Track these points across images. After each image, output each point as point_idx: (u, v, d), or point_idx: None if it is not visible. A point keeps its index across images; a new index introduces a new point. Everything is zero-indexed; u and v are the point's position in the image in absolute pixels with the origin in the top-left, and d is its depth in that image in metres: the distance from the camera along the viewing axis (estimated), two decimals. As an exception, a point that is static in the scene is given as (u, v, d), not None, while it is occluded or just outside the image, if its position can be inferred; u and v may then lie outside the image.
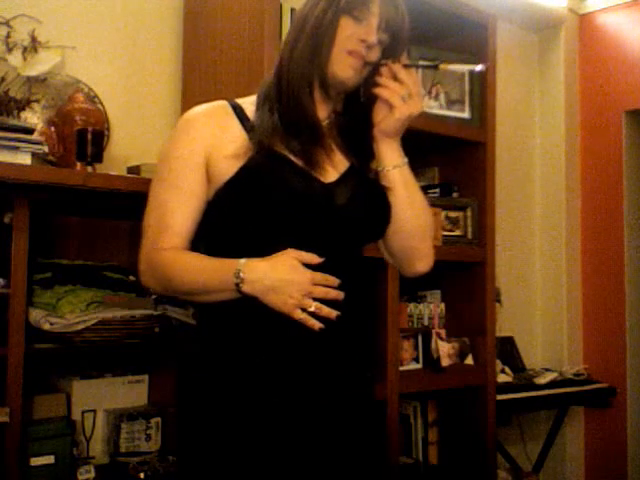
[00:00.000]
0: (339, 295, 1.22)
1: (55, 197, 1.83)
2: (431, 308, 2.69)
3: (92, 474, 1.88)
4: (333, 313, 1.21)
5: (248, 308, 1.21)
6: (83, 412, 2.02)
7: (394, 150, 1.34)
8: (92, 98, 2.19)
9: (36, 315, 1.82)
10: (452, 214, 2.63)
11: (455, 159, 2.75)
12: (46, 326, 1.81)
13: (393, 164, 1.33)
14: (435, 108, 2.57)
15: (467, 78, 2.64)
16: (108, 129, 2.22)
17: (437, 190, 2.73)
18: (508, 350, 3.30)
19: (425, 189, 2.71)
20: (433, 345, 2.57)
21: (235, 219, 1.27)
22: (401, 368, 2.40)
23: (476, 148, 2.67)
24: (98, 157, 1.93)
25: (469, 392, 2.63)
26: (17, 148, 1.71)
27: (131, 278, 2.01)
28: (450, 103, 2.61)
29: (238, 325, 1.26)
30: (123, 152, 2.26)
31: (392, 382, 2.33)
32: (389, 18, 1.28)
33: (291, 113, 1.29)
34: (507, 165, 3.38)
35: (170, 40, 2.42)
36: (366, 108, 1.33)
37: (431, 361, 2.55)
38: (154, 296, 1.98)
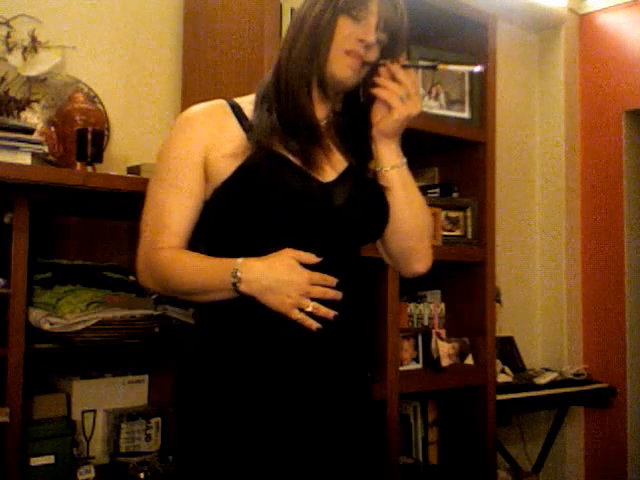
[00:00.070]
0: (337, 295, 1.21)
1: (55, 197, 1.83)
2: (431, 308, 2.69)
3: (92, 474, 1.88)
4: (331, 313, 1.20)
5: (246, 308, 1.21)
6: (83, 412, 2.02)
7: (393, 150, 1.34)
8: (92, 98, 2.19)
9: (36, 315, 1.83)
10: (452, 214, 2.63)
11: (455, 159, 2.75)
12: (46, 326, 1.81)
13: (391, 164, 1.33)
14: (435, 108, 2.57)
15: (467, 78, 2.64)
16: (108, 129, 2.23)
17: (437, 190, 2.74)
18: (508, 350, 3.30)
19: (425, 189, 2.71)
20: (433, 345, 2.57)
21: (233, 218, 1.27)
22: (401, 368, 2.40)
23: (476, 148, 2.67)
24: (98, 157, 1.93)
25: (469, 392, 2.63)
26: (17, 148, 1.71)
27: (131, 278, 2.01)
28: (450, 103, 2.61)
29: (236, 325, 1.26)
30: (123, 152, 2.26)
31: (392, 382, 2.33)
32: (388, 17, 1.28)
33: (289, 113, 1.28)
34: (507, 165, 3.38)
35: (170, 40, 2.42)
36: (365, 108, 1.33)
37: (431, 361, 2.55)
38: (154, 296, 1.98)
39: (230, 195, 1.25)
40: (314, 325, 1.20)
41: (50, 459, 1.81)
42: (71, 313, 1.84)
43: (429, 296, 2.76)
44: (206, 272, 1.23)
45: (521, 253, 3.57)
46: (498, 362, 2.88)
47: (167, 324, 2.00)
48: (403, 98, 1.28)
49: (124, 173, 2.10)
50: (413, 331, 2.56)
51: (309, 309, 1.19)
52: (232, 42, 2.15)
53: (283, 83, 1.29)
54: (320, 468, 1.26)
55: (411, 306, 2.66)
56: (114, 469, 1.99)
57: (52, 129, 2.00)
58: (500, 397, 2.73)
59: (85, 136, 1.92)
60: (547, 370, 3.32)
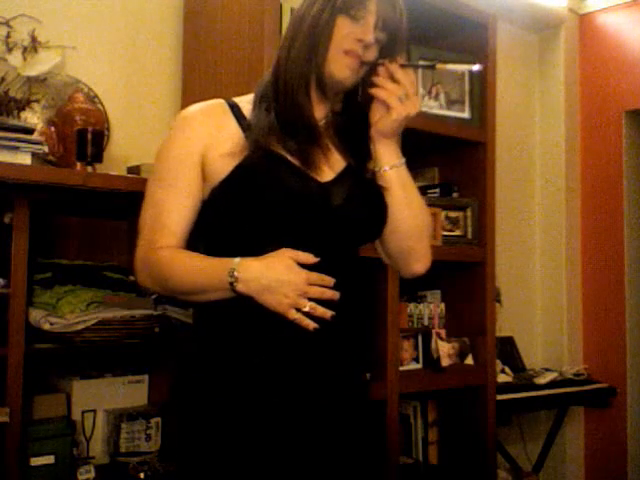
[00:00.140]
0: (334, 295, 1.21)
1: (55, 197, 1.83)
2: (431, 308, 2.69)
3: (92, 474, 1.88)
4: (328, 313, 1.20)
5: (244, 308, 1.21)
6: (83, 412, 2.02)
7: (391, 150, 1.34)
8: (92, 98, 2.19)
9: (36, 315, 1.83)
10: (452, 214, 2.63)
11: (455, 159, 2.75)
12: (46, 326, 1.81)
13: (390, 164, 1.33)
14: (435, 108, 2.57)
15: (467, 78, 2.64)
16: (108, 129, 2.23)
17: (437, 190, 2.74)
18: (508, 350, 3.30)
19: (425, 189, 2.71)
20: (433, 345, 2.57)
21: (231, 218, 1.27)
22: (401, 368, 2.40)
23: (476, 148, 2.67)
24: (98, 157, 1.93)
25: (469, 392, 2.63)
26: (17, 148, 1.71)
27: (131, 278, 2.01)
28: (450, 103, 2.61)
29: (234, 325, 1.26)
30: (123, 152, 2.26)
31: (392, 382, 2.33)
32: (386, 17, 1.27)
33: (287, 112, 1.28)
34: (507, 165, 3.38)
35: (170, 40, 2.42)
36: (364, 108, 1.33)
37: (431, 361, 2.55)
38: (154, 296, 1.98)
39: (228, 195, 1.25)
40: (311, 325, 1.19)
41: (50, 459, 1.81)
42: (71, 313, 1.84)
43: (429, 296, 2.76)
44: (204, 272, 1.23)
45: (521, 253, 3.57)
46: (498, 362, 2.88)
47: (167, 324, 2.00)
48: (401, 98, 1.28)
49: (124, 173, 2.10)
50: (413, 331, 2.56)
51: (306, 309, 1.19)
52: (232, 42, 2.15)
53: (282, 83, 1.29)
54: (320, 467, 1.26)
55: (411, 306, 2.66)
56: (114, 469, 1.99)
57: (52, 129, 2.00)
58: (500, 397, 2.73)
59: (85, 136, 1.92)
60: (547, 370, 3.32)
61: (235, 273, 1.18)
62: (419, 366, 2.52)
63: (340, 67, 1.27)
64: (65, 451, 1.85)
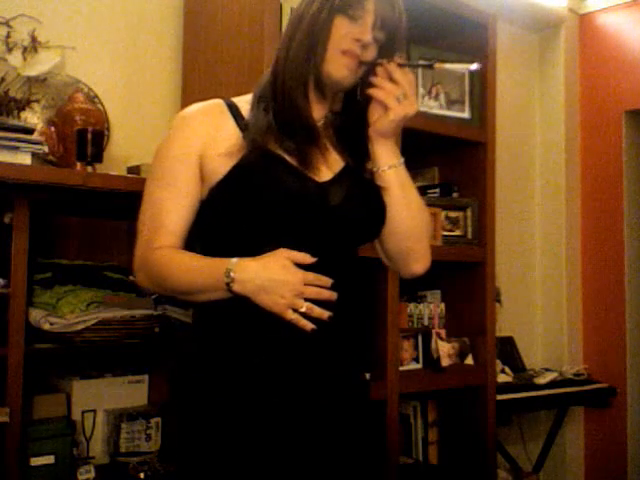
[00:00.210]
0: (332, 295, 1.21)
1: (55, 197, 1.83)
2: (431, 308, 2.69)
3: (92, 474, 1.88)
4: (325, 314, 1.20)
5: (242, 308, 1.21)
6: (83, 412, 2.02)
7: (390, 150, 1.33)
8: (92, 98, 2.19)
9: (36, 315, 1.83)
10: (452, 214, 2.64)
11: (455, 159, 2.75)
12: (46, 326, 1.81)
13: (388, 164, 1.33)
14: (435, 108, 2.57)
15: (467, 78, 2.64)
16: (108, 129, 2.23)
17: (437, 190, 2.74)
18: (508, 350, 3.30)
19: (425, 189, 2.72)
20: (433, 345, 2.57)
21: (228, 218, 1.26)
22: (401, 368, 2.40)
23: (476, 148, 2.67)
24: (98, 157, 1.93)
25: (469, 392, 2.63)
26: (17, 148, 1.71)
27: (131, 278, 2.01)
28: (450, 103, 2.61)
29: (234, 325, 1.26)
30: (123, 152, 2.26)
31: (392, 382, 2.33)
32: (385, 16, 1.27)
33: (286, 112, 1.28)
34: (507, 165, 3.38)
35: (170, 40, 2.42)
36: (363, 107, 1.33)
37: (431, 361, 2.55)
38: (154, 296, 1.98)
39: (225, 195, 1.25)
40: (308, 326, 1.19)
41: (50, 459, 1.81)
42: (71, 313, 1.84)
43: (429, 296, 2.76)
44: (201, 272, 1.23)
45: (521, 253, 3.57)
46: (498, 362, 2.88)
47: (167, 324, 2.01)
48: (399, 98, 1.28)
49: (124, 173, 2.10)
50: (413, 331, 2.56)
51: (303, 309, 1.18)
52: (232, 42, 2.16)
53: (280, 82, 1.29)
54: (320, 468, 1.26)
55: (411, 306, 2.66)
56: (114, 469, 1.99)
57: (52, 129, 2.00)
58: (500, 397, 2.73)
59: (85, 136, 1.92)
60: (547, 370, 3.32)
61: (231, 273, 1.18)
62: (419, 366, 2.52)
63: (338, 67, 1.27)
64: (65, 451, 1.85)
